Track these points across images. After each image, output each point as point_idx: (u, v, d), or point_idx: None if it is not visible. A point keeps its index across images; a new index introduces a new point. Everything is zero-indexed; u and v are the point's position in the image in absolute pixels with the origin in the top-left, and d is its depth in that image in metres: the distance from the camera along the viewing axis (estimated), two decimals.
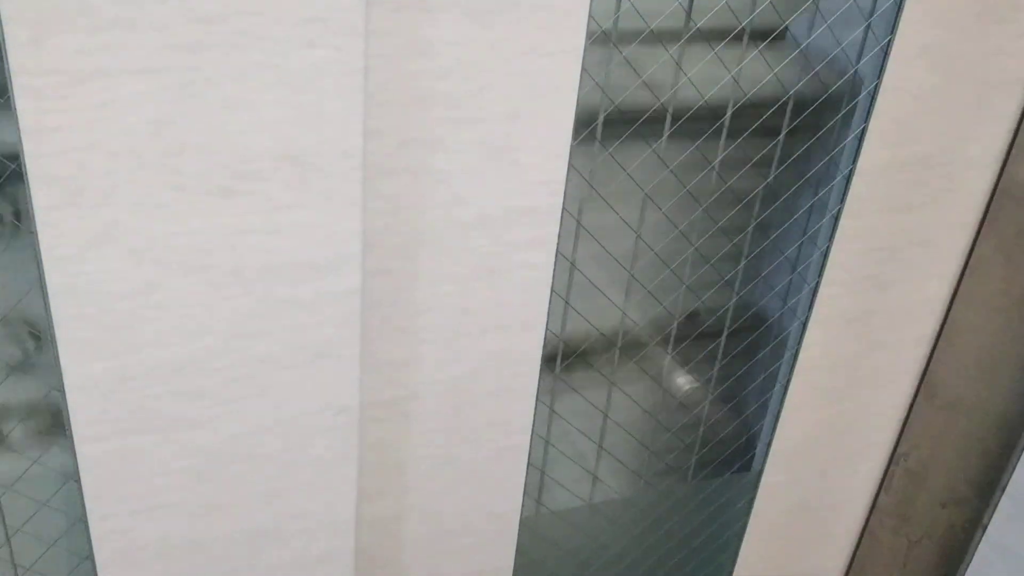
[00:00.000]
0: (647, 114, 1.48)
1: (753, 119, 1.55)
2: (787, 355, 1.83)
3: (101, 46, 1.07)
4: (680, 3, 1.41)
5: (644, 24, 1.40)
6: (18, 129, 1.09)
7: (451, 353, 1.52)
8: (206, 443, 1.38)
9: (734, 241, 1.70)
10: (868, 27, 1.50)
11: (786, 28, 1.53)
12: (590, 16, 1.30)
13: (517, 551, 1.81)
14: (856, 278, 1.75)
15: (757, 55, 1.50)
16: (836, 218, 1.66)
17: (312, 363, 1.37)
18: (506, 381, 1.58)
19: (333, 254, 1.29)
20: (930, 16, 1.50)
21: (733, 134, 1.57)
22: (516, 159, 1.37)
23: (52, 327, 1.21)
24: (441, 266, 1.43)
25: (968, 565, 1.89)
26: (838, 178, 1.64)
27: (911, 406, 1.99)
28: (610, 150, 1.50)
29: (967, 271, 1.81)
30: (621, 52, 1.41)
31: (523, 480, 1.71)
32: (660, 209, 1.60)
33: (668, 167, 1.53)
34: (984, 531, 1.83)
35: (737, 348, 1.83)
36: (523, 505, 1.75)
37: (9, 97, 1.07)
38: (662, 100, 1.48)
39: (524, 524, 1.79)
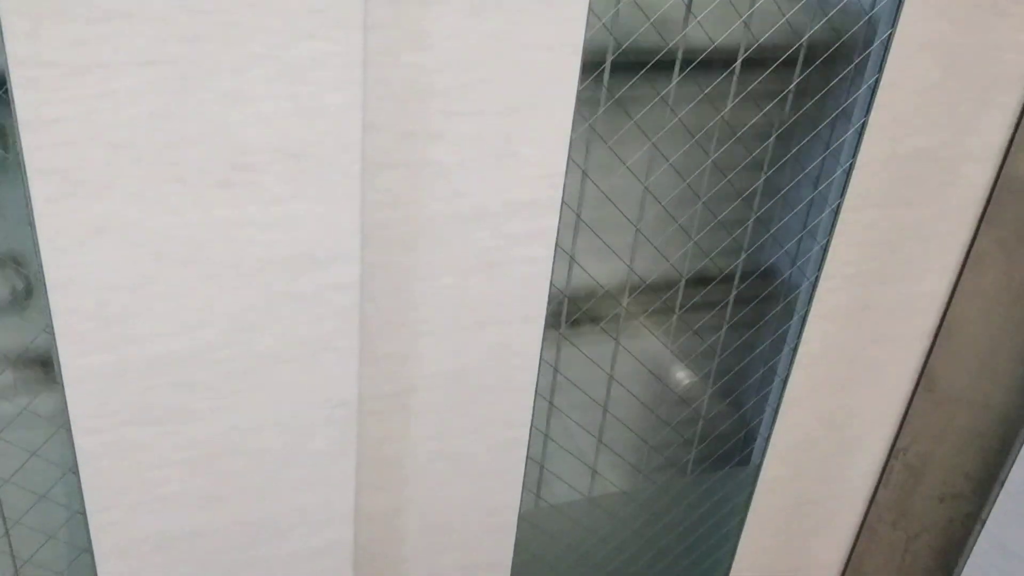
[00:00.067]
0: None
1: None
2: (786, 349, 1.83)
3: (99, 37, 1.06)
4: None
5: None
6: (16, 121, 1.09)
7: (450, 346, 1.52)
8: (205, 436, 1.38)
9: (733, 235, 1.70)
10: None
11: None
12: (590, 10, 1.29)
13: (516, 544, 1.81)
14: (856, 272, 1.75)
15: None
16: (836, 212, 1.66)
17: (311, 356, 1.37)
18: (505, 375, 1.58)
19: (332, 247, 1.29)
20: (931, 10, 1.49)
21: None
22: (515, 152, 1.36)
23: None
24: (440, 259, 1.43)
25: (966, 559, 1.89)
26: (838, 172, 1.63)
27: (910, 400, 1.99)
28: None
29: (967, 265, 1.81)
30: None
31: (522, 474, 1.71)
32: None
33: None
34: (983, 526, 1.83)
35: (734, 344, 1.83)
36: (522, 499, 1.75)
37: (7, 89, 1.07)
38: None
39: (523, 518, 1.79)
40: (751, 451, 1.96)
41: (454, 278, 1.45)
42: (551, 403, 1.74)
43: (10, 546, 1.48)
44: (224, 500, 1.46)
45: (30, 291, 1.29)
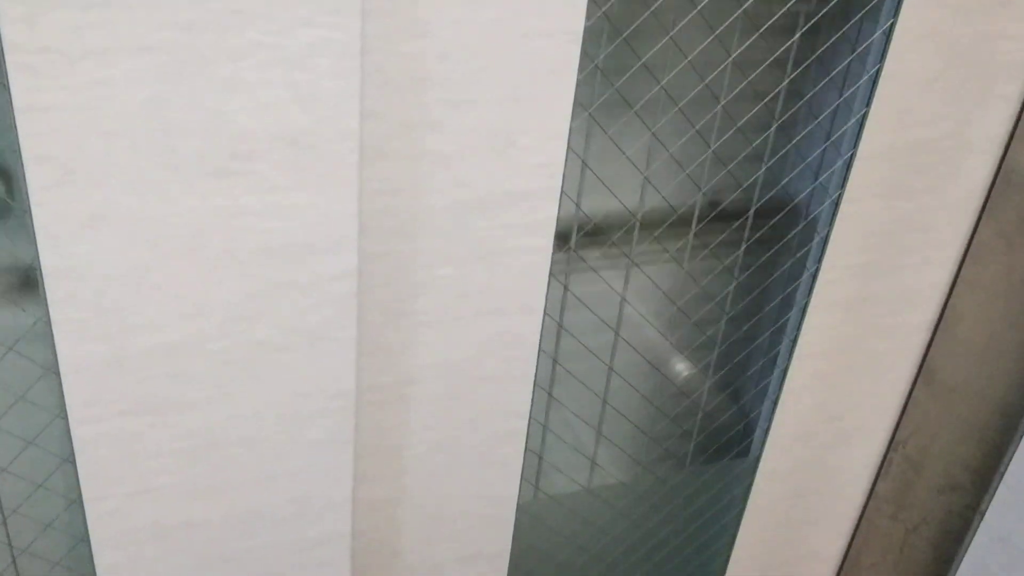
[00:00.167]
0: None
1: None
2: (786, 341, 1.83)
3: (95, 24, 1.06)
4: None
5: None
6: (12, 107, 1.08)
7: (449, 337, 1.51)
8: (202, 425, 1.38)
9: (733, 226, 1.70)
10: None
11: None
12: None
13: (514, 535, 1.81)
14: (856, 263, 1.75)
15: None
16: (836, 203, 1.65)
17: (308, 346, 1.37)
18: (504, 365, 1.57)
19: (329, 236, 1.28)
20: (933, 0, 1.49)
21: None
22: (515, 141, 1.36)
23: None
24: (439, 249, 1.42)
25: (965, 552, 1.89)
26: (839, 163, 1.63)
27: (910, 392, 1.99)
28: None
29: (968, 257, 1.81)
30: None
31: (521, 464, 1.71)
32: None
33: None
34: (982, 518, 1.83)
35: (734, 336, 1.83)
36: (520, 489, 1.75)
37: (3, 75, 1.07)
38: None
39: (521, 509, 1.79)
40: (750, 443, 1.96)
41: (453, 268, 1.44)
42: (550, 394, 1.74)
43: (8, 535, 1.48)
44: (221, 490, 1.45)
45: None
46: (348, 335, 1.38)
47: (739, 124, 1.58)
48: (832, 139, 1.62)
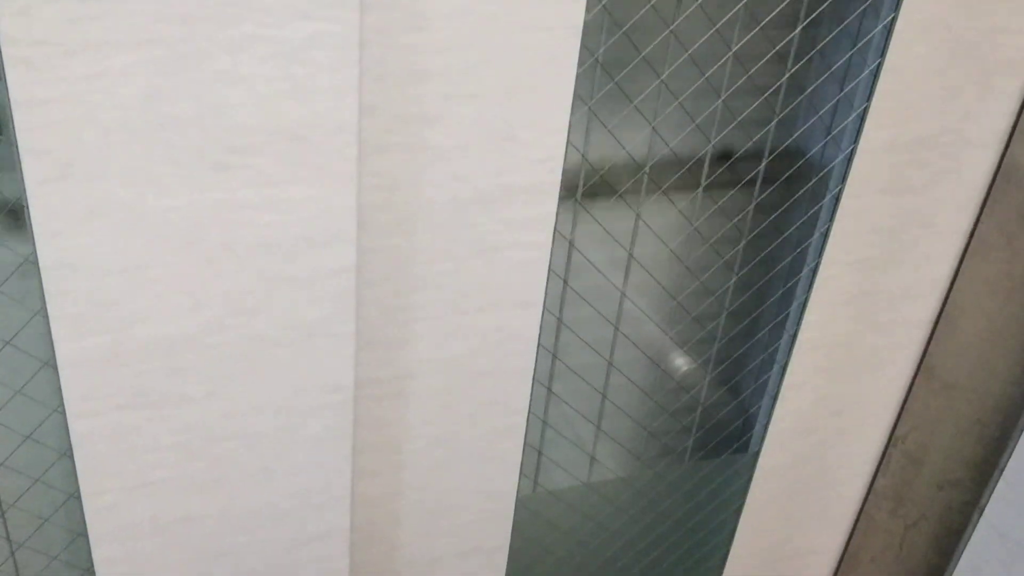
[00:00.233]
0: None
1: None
2: (786, 336, 1.82)
3: (93, 16, 1.05)
4: None
5: None
6: (9, 101, 1.08)
7: (448, 332, 1.51)
8: (200, 420, 1.38)
9: (733, 222, 1.69)
10: None
11: None
12: None
13: (513, 530, 1.81)
14: (856, 259, 1.74)
15: None
16: (837, 199, 1.65)
17: (307, 341, 1.36)
18: (503, 360, 1.57)
19: (328, 230, 1.28)
20: None
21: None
22: (514, 135, 1.35)
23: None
24: (438, 244, 1.42)
25: (965, 547, 1.89)
26: (839, 158, 1.62)
27: (910, 388, 1.98)
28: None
29: (968, 253, 1.80)
30: None
31: (520, 459, 1.71)
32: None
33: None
34: (981, 513, 1.83)
35: (735, 329, 1.82)
36: (519, 484, 1.75)
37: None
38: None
39: (520, 503, 1.79)
40: (750, 438, 1.96)
41: (452, 263, 1.44)
42: (549, 389, 1.74)
43: (6, 530, 1.48)
44: (219, 484, 1.45)
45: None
46: (347, 330, 1.37)
47: (739, 119, 1.57)
48: (832, 134, 1.62)
